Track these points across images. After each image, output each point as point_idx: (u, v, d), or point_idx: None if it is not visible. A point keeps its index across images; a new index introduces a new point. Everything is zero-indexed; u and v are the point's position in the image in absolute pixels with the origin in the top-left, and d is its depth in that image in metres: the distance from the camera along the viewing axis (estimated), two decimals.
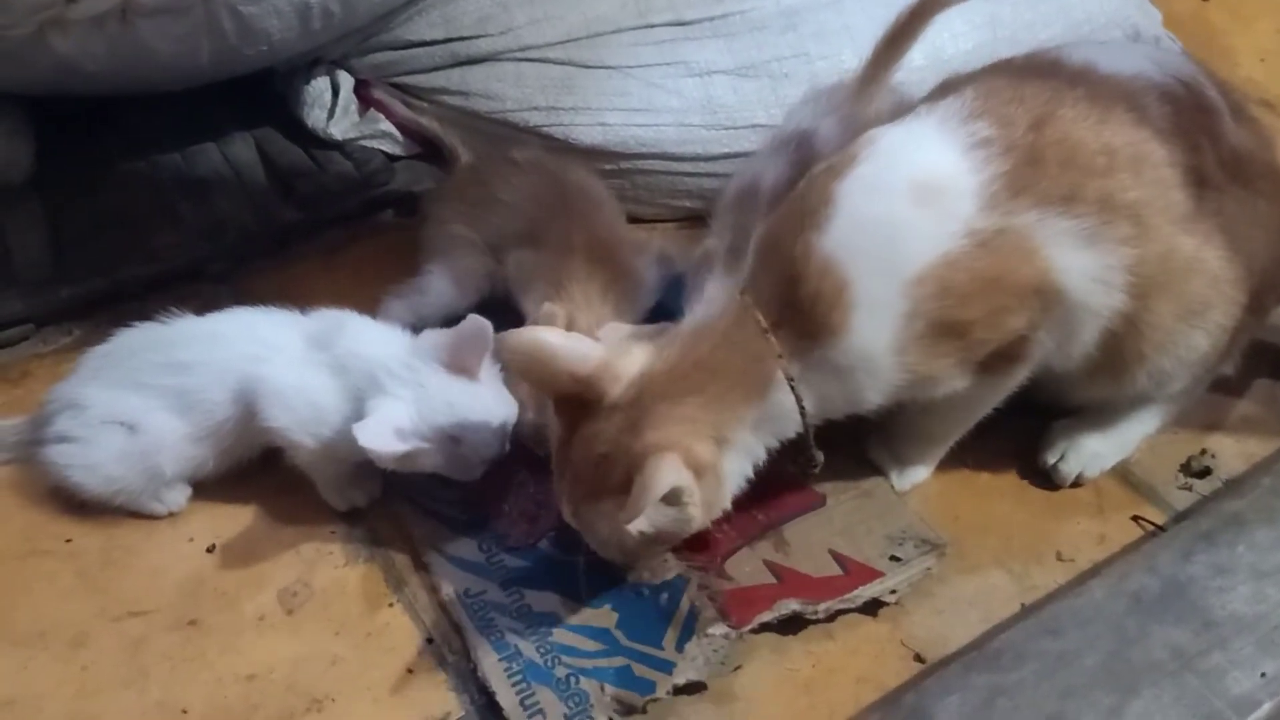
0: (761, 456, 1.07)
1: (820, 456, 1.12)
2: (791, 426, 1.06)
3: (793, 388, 1.03)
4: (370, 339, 1.16)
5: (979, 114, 1.06)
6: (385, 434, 1.08)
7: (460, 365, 1.12)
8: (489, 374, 1.15)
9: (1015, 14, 1.61)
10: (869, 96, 1.37)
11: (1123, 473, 1.25)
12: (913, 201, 1.03)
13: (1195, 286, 1.10)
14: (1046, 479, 1.24)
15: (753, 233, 1.12)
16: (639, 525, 1.01)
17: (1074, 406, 1.24)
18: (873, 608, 1.12)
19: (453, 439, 1.11)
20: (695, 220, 1.54)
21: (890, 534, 1.17)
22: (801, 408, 1.04)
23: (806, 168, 1.15)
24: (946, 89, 1.13)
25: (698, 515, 1.04)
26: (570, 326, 1.19)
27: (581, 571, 1.12)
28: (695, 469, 1.00)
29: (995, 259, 1.02)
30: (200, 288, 1.43)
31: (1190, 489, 1.23)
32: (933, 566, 1.14)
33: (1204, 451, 1.26)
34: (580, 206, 1.34)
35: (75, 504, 1.19)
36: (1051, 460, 1.23)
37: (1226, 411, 1.31)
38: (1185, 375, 1.18)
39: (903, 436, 1.22)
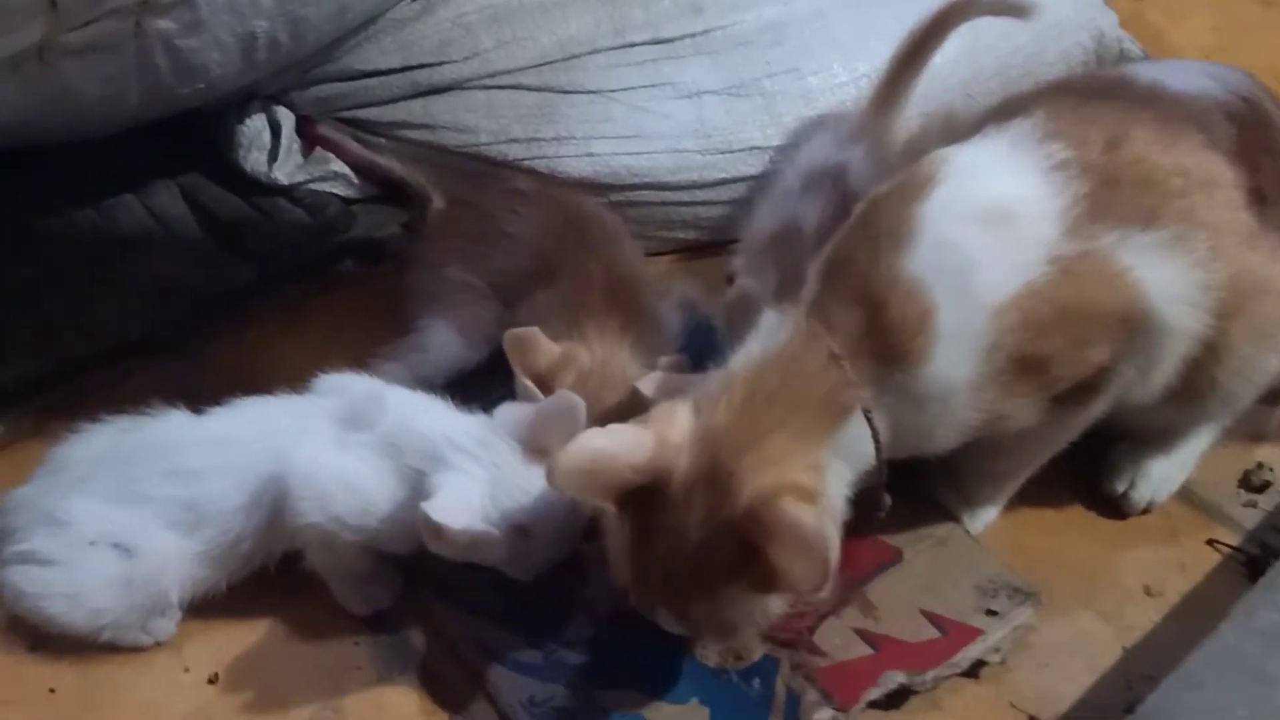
0: (850, 481, 0.98)
1: (888, 500, 1.03)
2: (866, 458, 0.98)
3: (868, 417, 0.95)
4: (422, 411, 1.01)
5: (1053, 135, 1.01)
6: (462, 510, 0.93)
7: (540, 447, 0.96)
8: None
9: (993, 20, 1.55)
10: (888, 121, 1.31)
11: (1184, 493, 1.19)
12: (994, 226, 0.97)
13: (1266, 307, 1.06)
14: (1111, 507, 1.18)
15: (806, 269, 1.03)
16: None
17: (1134, 430, 1.17)
18: (974, 668, 1.03)
19: (522, 531, 0.97)
20: (690, 252, 1.43)
21: (979, 584, 1.08)
22: (876, 438, 0.96)
23: (846, 202, 1.12)
24: (1008, 109, 1.08)
25: (835, 539, 0.93)
26: (569, 360, 1.09)
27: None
28: (808, 500, 0.91)
29: (1079, 286, 0.97)
30: (150, 361, 1.24)
31: (1255, 505, 1.19)
32: (1031, 618, 1.06)
33: (1260, 465, 1.22)
34: (598, 239, 1.22)
35: (43, 636, 1.00)
36: (1121, 488, 1.17)
37: (1267, 420, 1.25)
38: (1251, 396, 1.14)
39: (971, 476, 1.14)
